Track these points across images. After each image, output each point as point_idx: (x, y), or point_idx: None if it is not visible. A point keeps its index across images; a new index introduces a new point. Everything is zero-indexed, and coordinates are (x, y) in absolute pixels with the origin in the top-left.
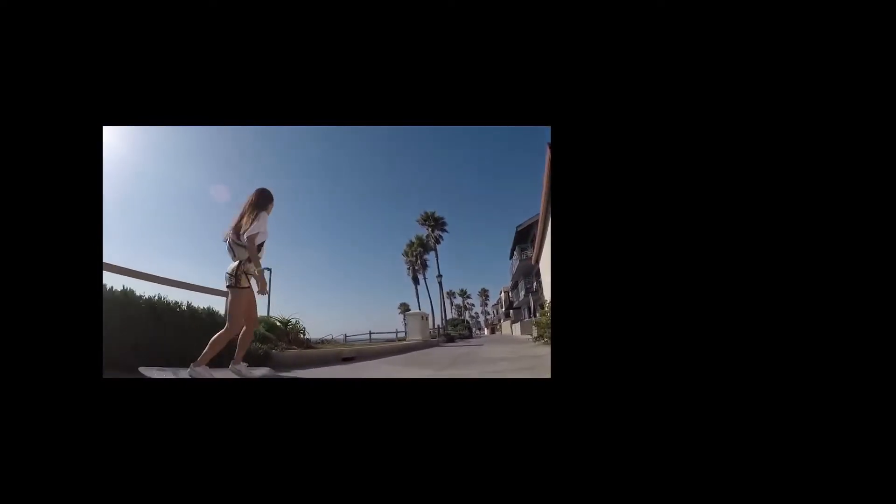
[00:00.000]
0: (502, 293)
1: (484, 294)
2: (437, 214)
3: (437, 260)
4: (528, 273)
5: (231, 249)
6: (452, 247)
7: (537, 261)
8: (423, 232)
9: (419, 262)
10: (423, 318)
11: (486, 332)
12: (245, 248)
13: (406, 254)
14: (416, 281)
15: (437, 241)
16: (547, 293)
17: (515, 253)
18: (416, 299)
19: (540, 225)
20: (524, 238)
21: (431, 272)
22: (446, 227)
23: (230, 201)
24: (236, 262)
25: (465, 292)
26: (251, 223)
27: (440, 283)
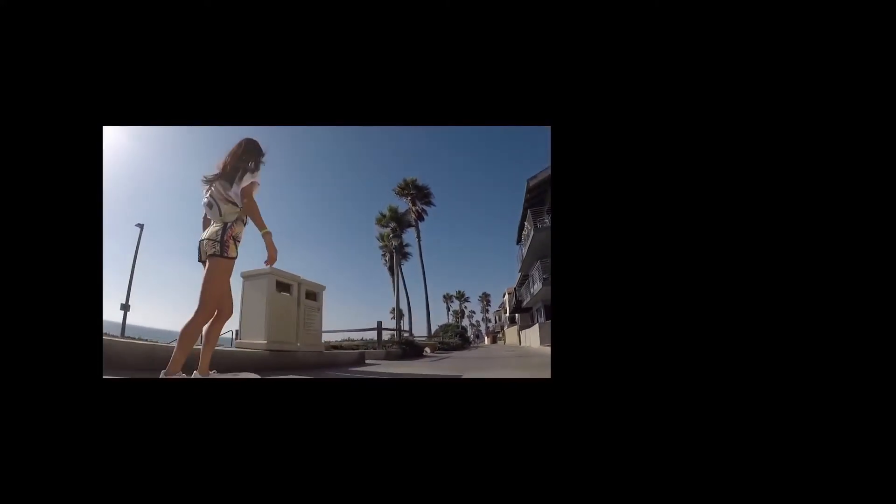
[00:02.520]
0: (506, 295)
1: (485, 299)
2: (419, 182)
3: (420, 242)
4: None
5: (211, 206)
6: (449, 247)
7: None
8: (402, 206)
9: (395, 244)
10: (280, 282)
11: (486, 341)
12: (236, 205)
13: (382, 238)
14: (393, 272)
15: (420, 217)
16: None
17: (527, 225)
18: (394, 296)
19: None
20: (540, 199)
21: (414, 267)
22: (432, 200)
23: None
24: (219, 226)
25: (463, 294)
26: (243, 174)
27: (421, 264)
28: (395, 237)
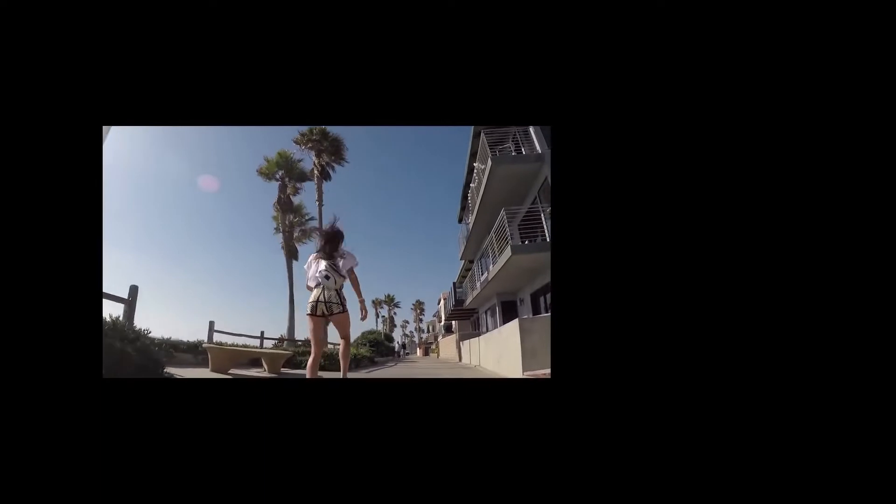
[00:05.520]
0: (441, 301)
1: (419, 307)
2: (331, 133)
3: (321, 207)
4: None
5: (329, 278)
6: (379, 250)
7: None
8: (302, 157)
9: (285, 199)
10: None
11: (418, 352)
12: (343, 277)
13: (275, 218)
14: (292, 255)
15: (325, 175)
16: None
17: (477, 167)
18: (287, 286)
19: None
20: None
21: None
22: (345, 157)
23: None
24: (333, 291)
25: (393, 299)
26: (344, 256)
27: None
28: (283, 192)
